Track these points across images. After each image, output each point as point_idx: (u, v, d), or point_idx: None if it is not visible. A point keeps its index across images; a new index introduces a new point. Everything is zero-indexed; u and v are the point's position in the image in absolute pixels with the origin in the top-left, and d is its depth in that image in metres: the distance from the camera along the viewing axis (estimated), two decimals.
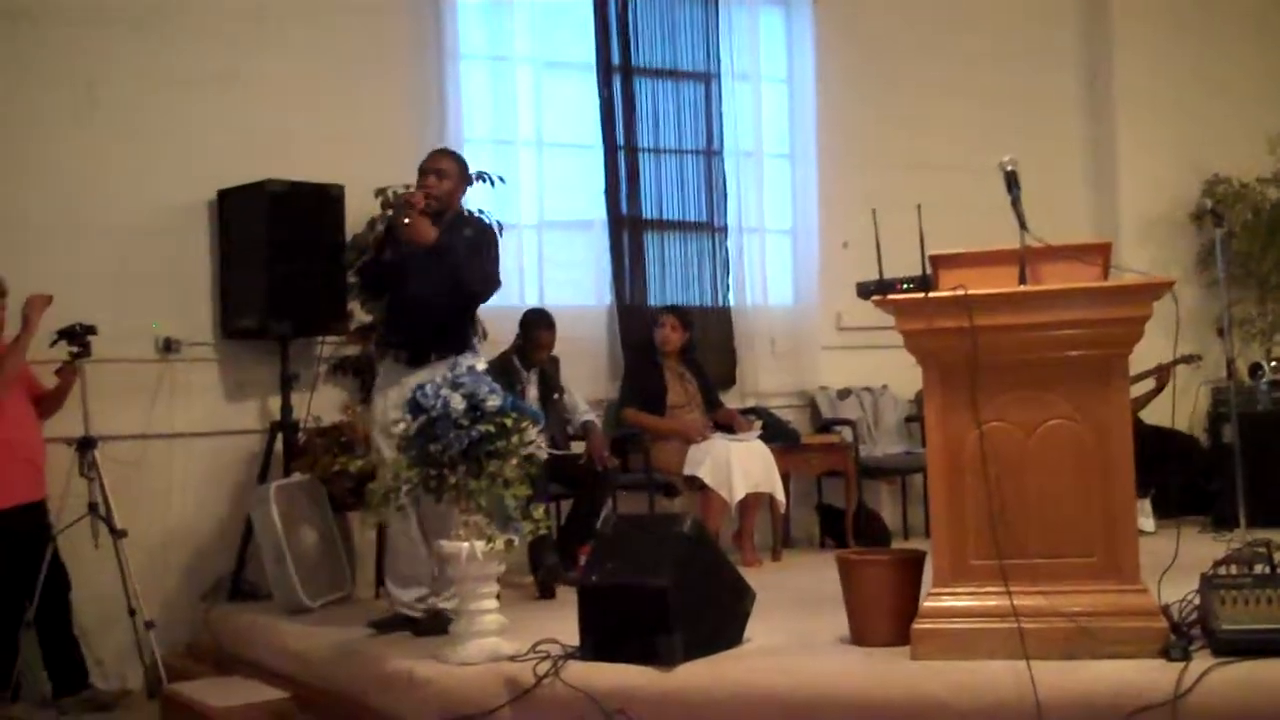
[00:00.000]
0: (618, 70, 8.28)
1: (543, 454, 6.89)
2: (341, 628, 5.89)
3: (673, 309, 7.90)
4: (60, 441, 6.36)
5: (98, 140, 6.79)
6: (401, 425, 5.09)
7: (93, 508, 6.28)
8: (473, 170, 7.31)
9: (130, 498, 6.54)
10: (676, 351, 7.79)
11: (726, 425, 7.66)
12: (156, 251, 6.92)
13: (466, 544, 4.91)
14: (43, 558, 6.02)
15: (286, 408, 6.99)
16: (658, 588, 4.75)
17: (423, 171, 5.86)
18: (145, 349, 6.90)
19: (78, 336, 6.29)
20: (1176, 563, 4.63)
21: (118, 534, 6.29)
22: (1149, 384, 7.88)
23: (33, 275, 6.31)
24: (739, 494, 7.25)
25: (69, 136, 6.74)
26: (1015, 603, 4.43)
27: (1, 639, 6.07)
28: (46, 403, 6.40)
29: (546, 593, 6.48)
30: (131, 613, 6.31)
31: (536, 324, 7.26)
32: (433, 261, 5.63)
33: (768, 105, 8.79)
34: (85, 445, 6.30)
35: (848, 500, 8.04)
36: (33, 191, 6.64)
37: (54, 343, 6.29)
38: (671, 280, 8.40)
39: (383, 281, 5.87)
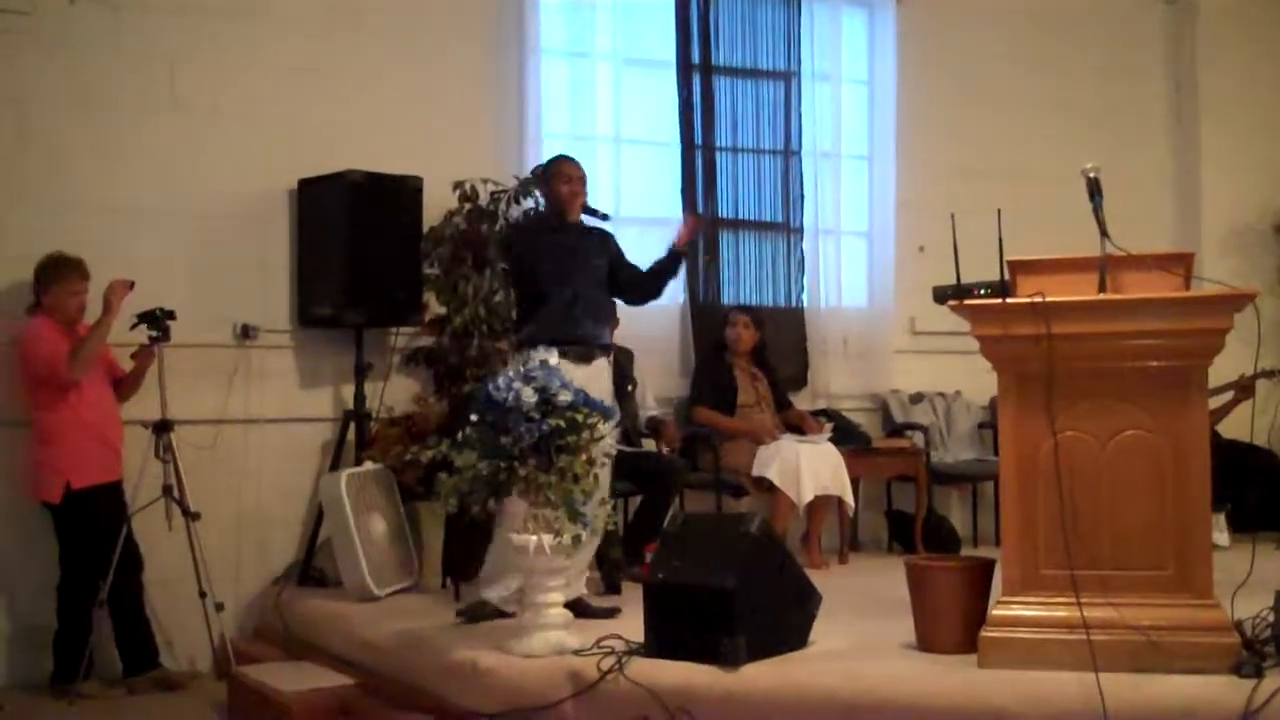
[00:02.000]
0: (697, 68, 8.27)
1: (612, 451, 6.91)
2: (408, 616, 5.94)
3: (745, 308, 7.89)
4: (137, 424, 6.44)
5: (181, 127, 6.88)
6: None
7: (167, 490, 6.35)
8: None
9: (204, 481, 6.62)
10: (749, 351, 7.77)
11: (797, 426, 7.64)
12: (236, 239, 7.01)
13: (534, 537, 4.93)
14: (117, 538, 6.11)
15: (360, 397, 7.05)
16: (723, 588, 4.75)
17: (575, 179, 6.09)
18: (223, 334, 6.98)
19: (158, 320, 6.37)
20: (1251, 578, 4.57)
21: (191, 516, 6.36)
22: (1222, 398, 7.78)
23: (114, 259, 6.42)
24: (807, 496, 7.22)
25: (153, 123, 6.83)
26: (1085, 614, 4.39)
27: (75, 617, 6.18)
28: (124, 385, 6.50)
29: (612, 589, 6.49)
30: (202, 595, 6.39)
31: None
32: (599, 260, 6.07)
33: (847, 107, 8.74)
34: (161, 428, 6.38)
35: (918, 506, 7.99)
36: (116, 177, 6.73)
37: (134, 326, 6.38)
38: (746, 280, 8.38)
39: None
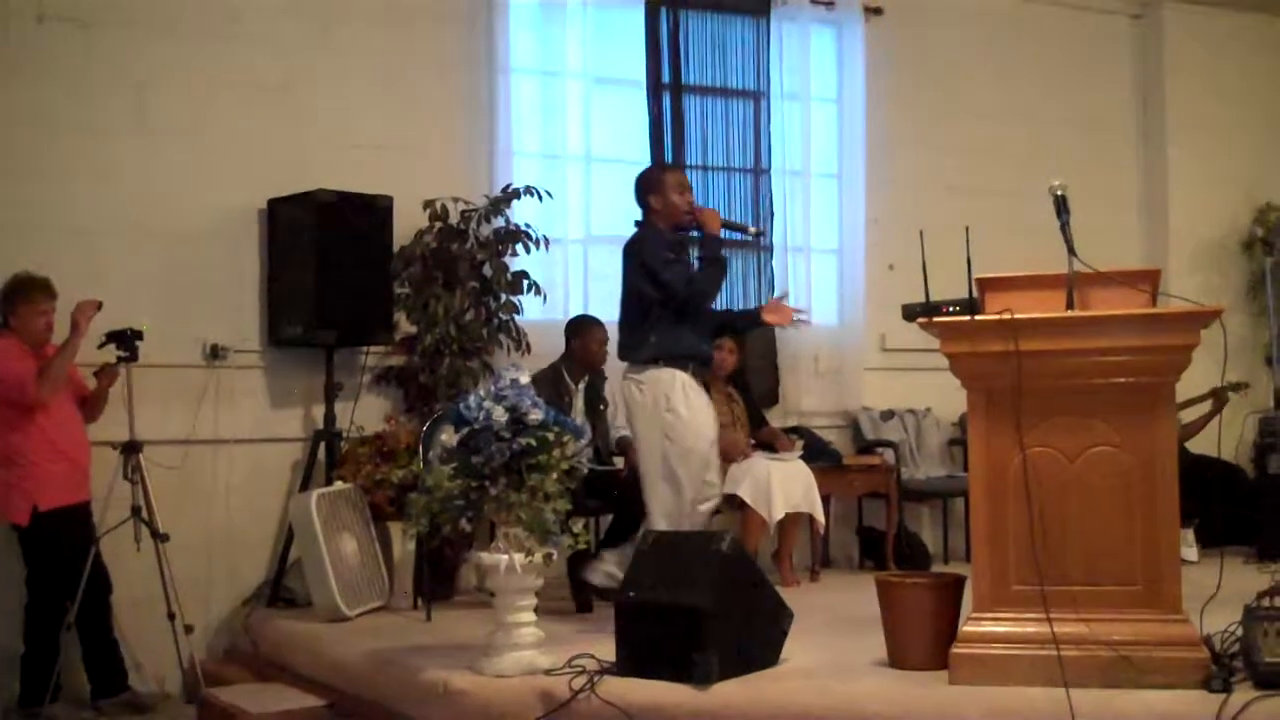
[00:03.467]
0: (667, 87, 8.29)
1: (584, 469, 6.89)
2: (379, 637, 5.92)
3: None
4: (105, 445, 6.40)
5: (151, 147, 6.86)
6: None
7: (136, 511, 6.31)
8: (520, 184, 7.38)
9: (173, 502, 6.57)
10: (728, 374, 7.75)
11: (768, 444, 7.64)
12: (206, 258, 6.98)
13: (505, 556, 4.91)
14: (86, 559, 6.06)
15: (330, 416, 7.02)
16: (695, 606, 4.75)
17: (689, 187, 6.14)
18: (192, 354, 6.94)
19: (126, 340, 6.34)
20: (1219, 594, 4.60)
21: (160, 538, 6.32)
22: (1201, 410, 7.84)
23: (83, 278, 6.38)
24: (778, 514, 7.21)
25: (123, 142, 6.81)
26: (1055, 629, 4.40)
27: (43, 640, 6.12)
28: (89, 405, 6.45)
29: (583, 607, 6.47)
30: (171, 617, 6.33)
31: (589, 325, 7.26)
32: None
33: (816, 125, 8.75)
34: (130, 449, 6.34)
35: (888, 522, 8.01)
36: (85, 196, 6.70)
37: (102, 345, 6.34)
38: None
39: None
